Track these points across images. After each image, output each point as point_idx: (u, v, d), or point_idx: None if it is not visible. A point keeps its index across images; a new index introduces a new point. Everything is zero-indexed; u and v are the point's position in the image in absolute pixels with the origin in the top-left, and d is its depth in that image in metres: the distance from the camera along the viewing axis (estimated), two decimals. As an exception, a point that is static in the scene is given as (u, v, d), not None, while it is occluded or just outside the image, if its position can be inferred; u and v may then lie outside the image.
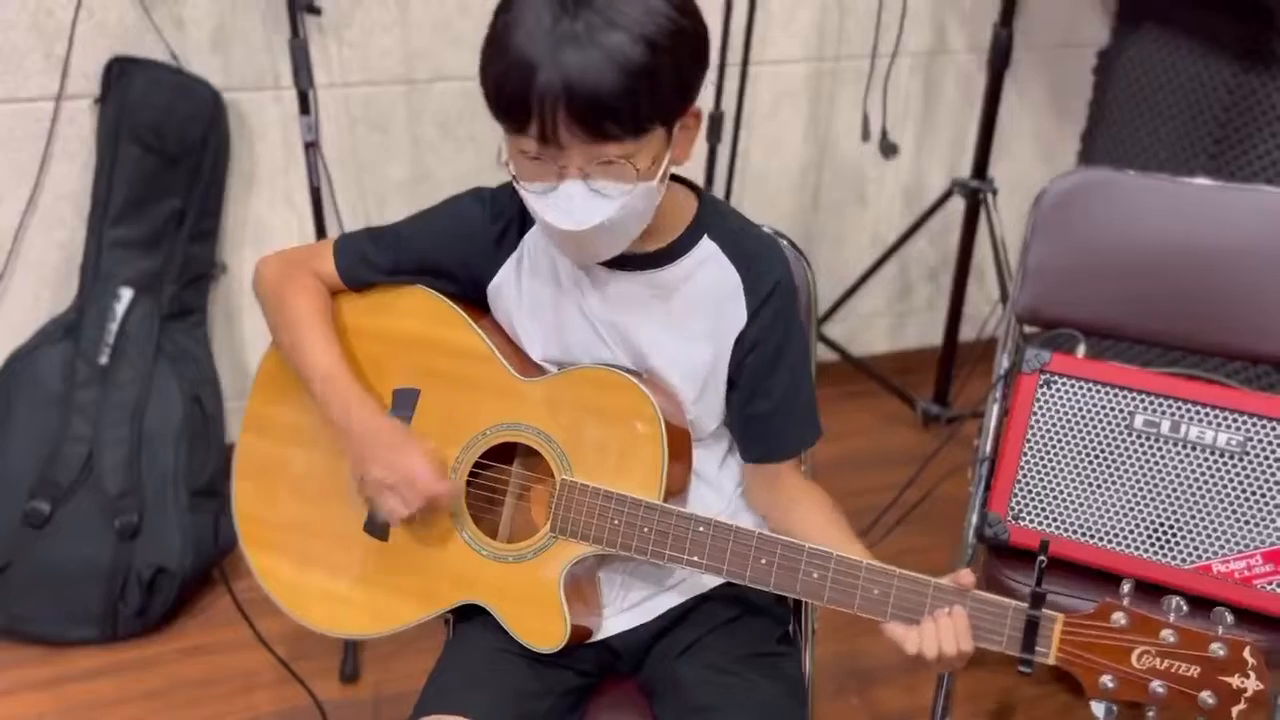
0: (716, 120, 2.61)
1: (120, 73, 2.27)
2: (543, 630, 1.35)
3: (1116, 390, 1.72)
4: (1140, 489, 1.69)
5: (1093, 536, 1.71)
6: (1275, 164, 2.55)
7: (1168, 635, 1.16)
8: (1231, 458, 1.66)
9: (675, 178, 1.37)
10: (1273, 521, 1.63)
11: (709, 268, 1.36)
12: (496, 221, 1.41)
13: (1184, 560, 1.67)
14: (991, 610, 1.21)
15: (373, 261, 1.45)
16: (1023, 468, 1.75)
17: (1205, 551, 1.66)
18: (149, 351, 2.35)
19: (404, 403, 1.43)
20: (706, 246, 1.37)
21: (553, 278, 1.40)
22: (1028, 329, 1.99)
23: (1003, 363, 1.98)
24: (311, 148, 2.23)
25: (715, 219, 1.38)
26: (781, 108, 2.85)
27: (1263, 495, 1.64)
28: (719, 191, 2.71)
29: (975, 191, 2.81)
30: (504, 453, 1.42)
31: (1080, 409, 1.73)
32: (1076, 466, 1.73)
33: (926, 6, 2.85)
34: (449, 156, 2.59)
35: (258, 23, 2.35)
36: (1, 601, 2.25)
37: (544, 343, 1.41)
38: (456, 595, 1.40)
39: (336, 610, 1.46)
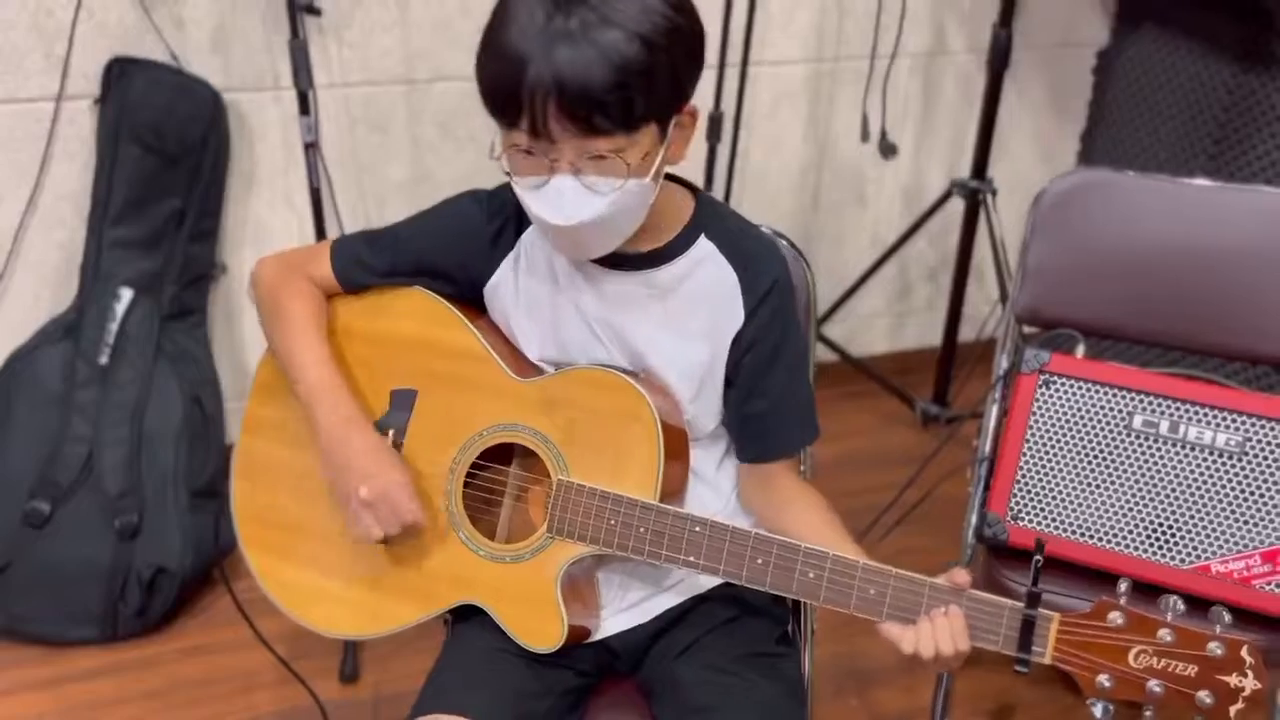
0: (716, 120, 2.61)
1: (120, 73, 2.27)
2: (540, 630, 1.35)
3: (1115, 390, 1.72)
4: (1139, 489, 1.70)
5: (1092, 537, 1.71)
6: (1274, 164, 2.55)
7: (1165, 634, 1.16)
8: (1230, 458, 1.66)
9: (672, 178, 1.38)
10: (1271, 522, 1.63)
11: (706, 267, 1.37)
12: (493, 221, 1.41)
13: (1183, 560, 1.67)
14: (987, 609, 1.21)
15: (369, 263, 1.45)
16: (1022, 468, 1.75)
17: (1204, 552, 1.66)
18: (149, 352, 2.35)
19: (401, 403, 1.43)
20: (704, 246, 1.37)
21: (549, 277, 1.40)
22: (1027, 329, 1.99)
23: (1002, 363, 1.98)
24: (311, 148, 2.23)
25: (713, 219, 1.38)
26: (781, 108, 2.86)
27: (1261, 495, 1.64)
28: (719, 191, 2.71)
29: (975, 192, 2.81)
30: (502, 453, 1.42)
31: (1079, 409, 1.73)
32: (1075, 467, 1.73)
33: (926, 7, 2.85)
34: (449, 157, 2.59)
35: (258, 23, 2.35)
36: (1, 601, 2.25)
37: (540, 342, 1.42)
38: (454, 596, 1.40)
39: (335, 611, 1.47)
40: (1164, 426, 1.69)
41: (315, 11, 2.25)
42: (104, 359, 2.32)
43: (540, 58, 1.16)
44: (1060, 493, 1.73)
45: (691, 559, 1.31)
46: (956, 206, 2.88)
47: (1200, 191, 1.87)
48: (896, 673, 2.23)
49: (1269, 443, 1.64)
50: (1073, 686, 1.20)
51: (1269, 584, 1.63)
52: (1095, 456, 1.72)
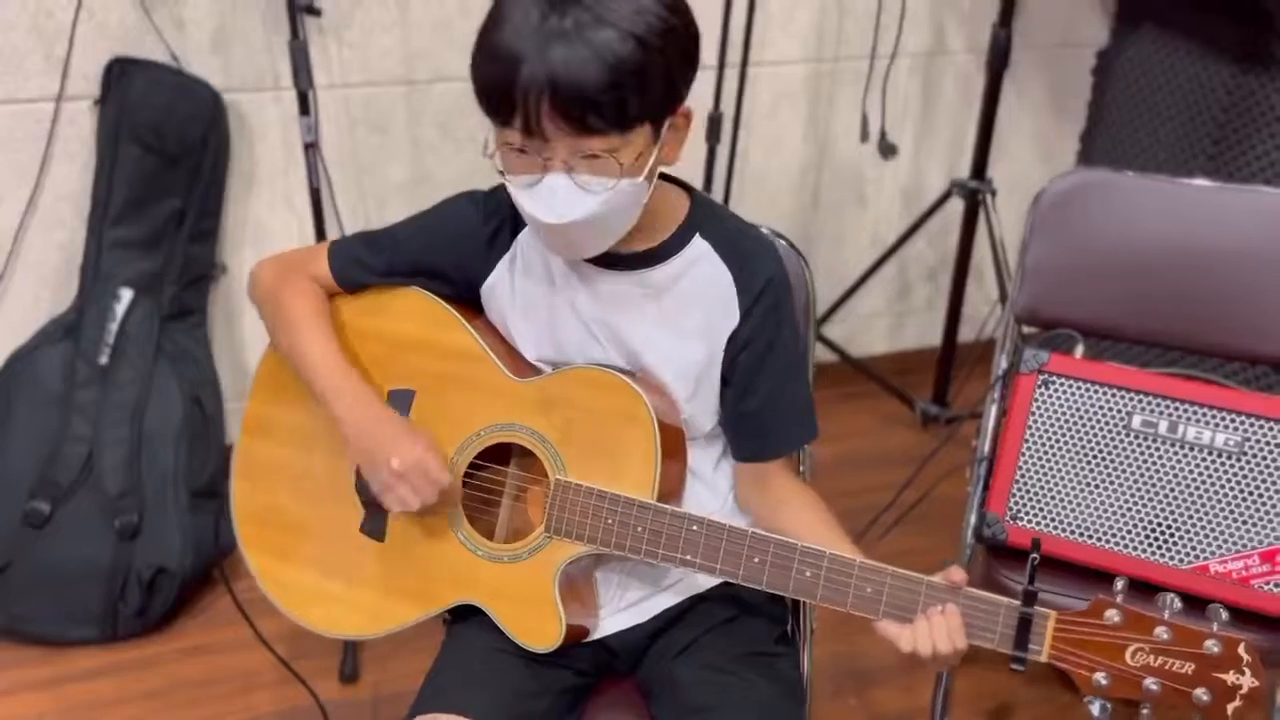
0: (716, 121, 2.61)
1: (120, 73, 2.27)
2: (538, 630, 1.35)
3: (1114, 390, 1.72)
4: (1138, 489, 1.70)
5: (1090, 536, 1.71)
6: (1273, 165, 2.55)
7: (1161, 632, 1.16)
8: (1229, 458, 1.66)
9: (667, 177, 1.38)
10: (1270, 522, 1.63)
11: (701, 267, 1.37)
12: (489, 222, 1.41)
13: (1181, 560, 1.67)
14: (984, 607, 1.22)
15: (367, 263, 1.45)
16: (1021, 468, 1.75)
17: (1203, 551, 1.66)
18: (149, 352, 2.35)
19: (399, 404, 1.43)
20: (698, 246, 1.37)
21: (545, 277, 1.40)
22: (1026, 329, 1.99)
23: (1001, 363, 1.98)
24: (311, 148, 2.24)
25: (708, 219, 1.39)
26: (781, 108, 2.86)
27: (1260, 495, 1.64)
28: (718, 192, 2.71)
29: (974, 192, 2.82)
30: (501, 453, 1.42)
31: (1078, 409, 1.73)
32: (1074, 467, 1.73)
33: (925, 7, 2.86)
34: (449, 157, 2.59)
35: (258, 24, 2.35)
36: (1, 601, 2.25)
37: (537, 342, 1.42)
38: (453, 595, 1.40)
39: (334, 611, 1.47)
40: (1163, 426, 1.69)
41: (315, 12, 2.25)
42: (104, 359, 2.32)
43: (534, 57, 1.16)
44: (1059, 493, 1.73)
45: (689, 558, 1.31)
46: (956, 206, 2.88)
47: (1199, 192, 1.87)
48: (896, 672, 2.23)
49: (1268, 443, 1.65)
50: (1071, 685, 1.20)
51: (1268, 584, 1.63)
52: (1094, 456, 1.72)
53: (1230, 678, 1.14)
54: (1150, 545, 1.68)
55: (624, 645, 1.44)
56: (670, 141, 1.28)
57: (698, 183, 2.62)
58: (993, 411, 1.94)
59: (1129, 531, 1.69)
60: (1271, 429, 1.64)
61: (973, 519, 1.84)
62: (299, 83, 2.20)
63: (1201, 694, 1.15)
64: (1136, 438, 1.70)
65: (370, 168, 2.55)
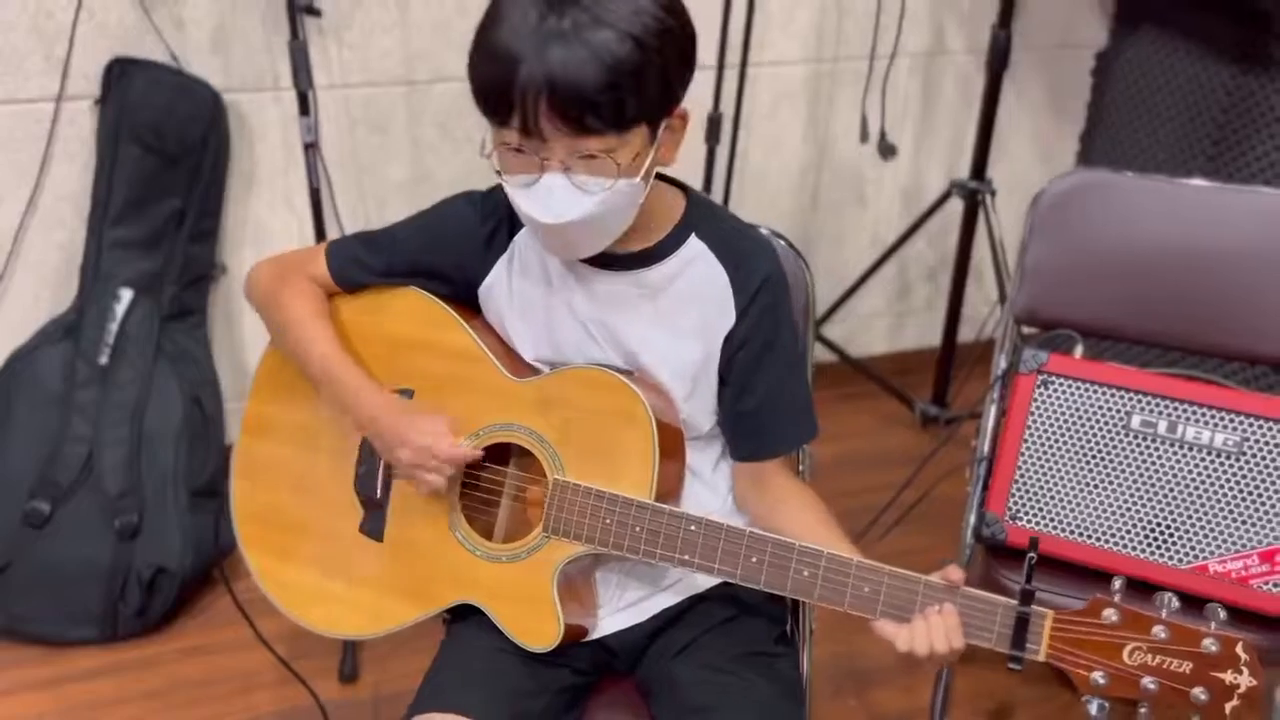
0: (715, 121, 2.61)
1: (120, 73, 2.27)
2: (537, 629, 1.36)
3: (1113, 390, 1.72)
4: (1137, 489, 1.70)
5: (1090, 536, 1.71)
6: (1273, 165, 2.55)
7: (1159, 631, 1.16)
8: (1228, 458, 1.66)
9: (663, 177, 1.38)
10: (1269, 521, 1.63)
11: (697, 266, 1.37)
12: (487, 222, 1.42)
13: (1181, 560, 1.67)
14: (981, 607, 1.22)
15: (365, 263, 1.45)
16: (1020, 468, 1.75)
17: (1202, 551, 1.66)
18: (149, 352, 2.35)
19: (398, 404, 1.43)
20: (694, 246, 1.37)
21: (543, 277, 1.40)
22: (1026, 330, 1.99)
23: (1000, 363, 1.98)
24: (311, 149, 2.24)
25: (704, 219, 1.39)
26: (780, 109, 2.86)
27: (1259, 495, 1.64)
28: (718, 192, 2.71)
29: (974, 192, 2.82)
30: (500, 453, 1.42)
31: (1077, 409, 1.73)
32: (1074, 467, 1.73)
33: (925, 8, 2.86)
34: (449, 157, 2.59)
35: (257, 24, 2.35)
36: (1, 601, 2.25)
37: (535, 342, 1.42)
38: (452, 595, 1.40)
39: (334, 610, 1.47)
40: (1162, 426, 1.69)
41: (315, 12, 2.25)
42: (104, 359, 2.32)
43: (532, 57, 1.16)
44: (1058, 493, 1.73)
45: (687, 558, 1.31)
46: (955, 207, 2.88)
47: (1198, 192, 1.87)
48: (895, 672, 2.23)
49: (1267, 442, 1.65)
50: (1070, 684, 1.20)
51: (1267, 584, 1.63)
52: (1093, 456, 1.72)
53: (1228, 677, 1.14)
54: (1150, 545, 1.68)
55: (623, 645, 1.44)
56: (667, 142, 1.29)
57: (697, 183, 2.62)
58: (992, 411, 1.94)
59: (1128, 531, 1.69)
60: (1271, 429, 1.64)
61: (972, 519, 1.84)
62: (299, 83, 2.20)
63: (1199, 693, 1.15)
64: (1136, 438, 1.70)
65: (370, 168, 2.55)
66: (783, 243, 1.56)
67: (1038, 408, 1.75)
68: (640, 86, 1.19)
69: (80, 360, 2.32)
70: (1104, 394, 1.72)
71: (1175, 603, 1.18)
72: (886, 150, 2.75)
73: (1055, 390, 1.74)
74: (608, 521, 1.32)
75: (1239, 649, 1.14)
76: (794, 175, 2.95)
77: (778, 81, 2.83)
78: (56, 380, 2.31)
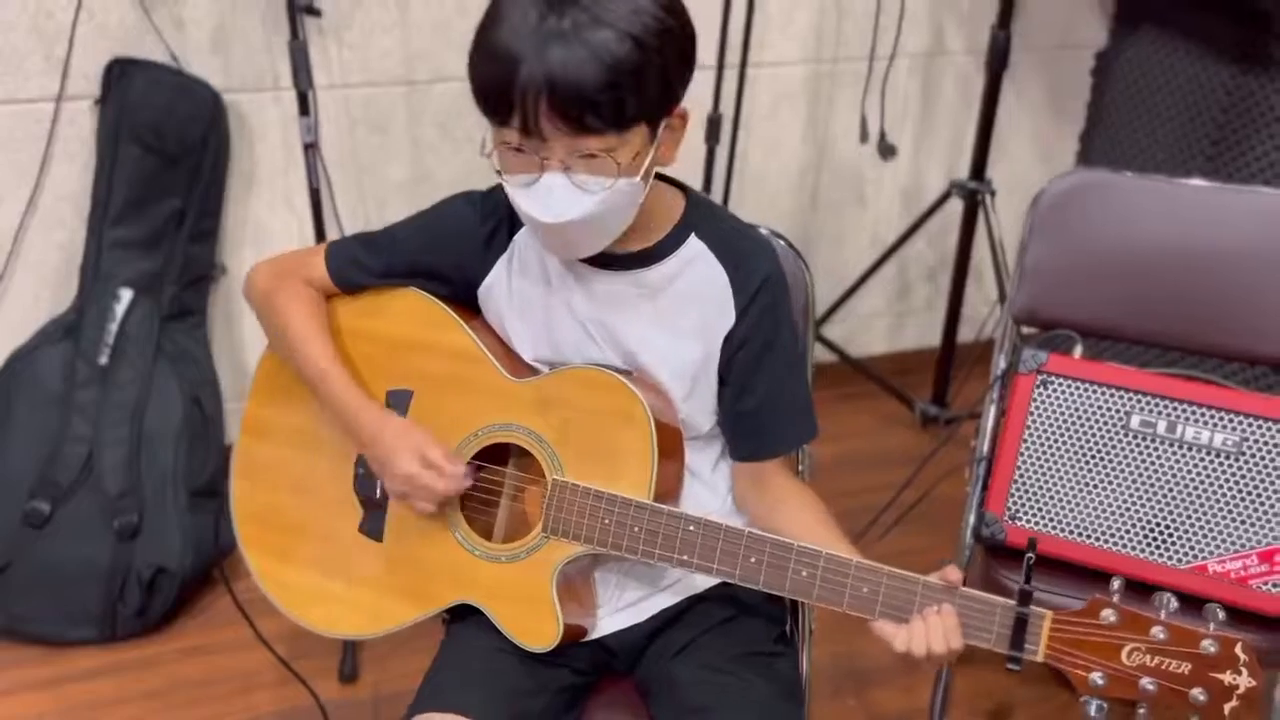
0: (715, 122, 2.61)
1: (120, 74, 2.28)
2: (536, 630, 1.36)
3: (1112, 390, 1.72)
4: (1136, 489, 1.70)
5: (1089, 536, 1.71)
6: (1272, 165, 2.55)
7: (1158, 632, 1.16)
8: (1228, 458, 1.66)
9: (663, 178, 1.38)
10: (1268, 522, 1.63)
11: (697, 267, 1.37)
12: (486, 223, 1.42)
13: (1180, 560, 1.67)
14: (980, 607, 1.22)
15: (364, 264, 1.45)
16: (1019, 468, 1.75)
17: (1201, 551, 1.66)
18: (149, 352, 2.35)
19: (397, 404, 1.43)
20: (694, 246, 1.37)
21: (542, 277, 1.40)
22: (1025, 330, 1.99)
23: (1000, 363, 1.98)
24: (311, 149, 2.24)
25: (703, 219, 1.39)
26: (780, 109, 2.86)
27: (1258, 495, 1.64)
28: (717, 192, 2.72)
29: (973, 192, 2.82)
30: (499, 454, 1.42)
31: (1076, 409, 1.73)
32: (1073, 467, 1.73)
33: (924, 8, 2.86)
34: (448, 157, 2.59)
35: (257, 24, 2.36)
36: (1, 601, 2.26)
37: (534, 343, 1.42)
38: (451, 595, 1.40)
39: (334, 611, 1.47)
40: (1161, 426, 1.69)
41: (315, 12, 2.25)
42: (104, 359, 2.32)
43: (532, 57, 1.16)
44: (1058, 493, 1.73)
45: (685, 558, 1.31)
46: (955, 207, 2.88)
47: (1198, 192, 1.87)
48: (895, 673, 2.23)
49: (1266, 443, 1.65)
50: (1069, 685, 1.20)
51: (1266, 584, 1.63)
52: (1093, 456, 1.72)
53: (1227, 678, 1.14)
54: (1149, 545, 1.68)
55: (622, 645, 1.44)
56: (667, 142, 1.29)
57: (697, 183, 2.63)
58: (991, 412, 1.94)
59: (1128, 531, 1.69)
60: (1270, 429, 1.64)
61: (971, 519, 1.84)
62: (299, 83, 2.20)
63: (1198, 694, 1.15)
64: (1135, 438, 1.70)
65: (370, 168, 2.55)
66: (782, 243, 1.56)
67: (1037, 408, 1.75)
68: (640, 86, 1.19)
69: (80, 360, 2.32)
70: (1103, 394, 1.72)
71: (1174, 603, 1.18)
72: (886, 150, 2.75)
73: (1055, 390, 1.75)
74: (606, 522, 1.32)
75: (1238, 649, 1.14)
76: (794, 175, 2.95)
77: (777, 82, 2.83)
78: (56, 380, 2.32)
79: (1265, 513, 1.64)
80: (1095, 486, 1.71)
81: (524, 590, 1.36)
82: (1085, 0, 3.00)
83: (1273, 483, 1.64)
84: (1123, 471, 1.70)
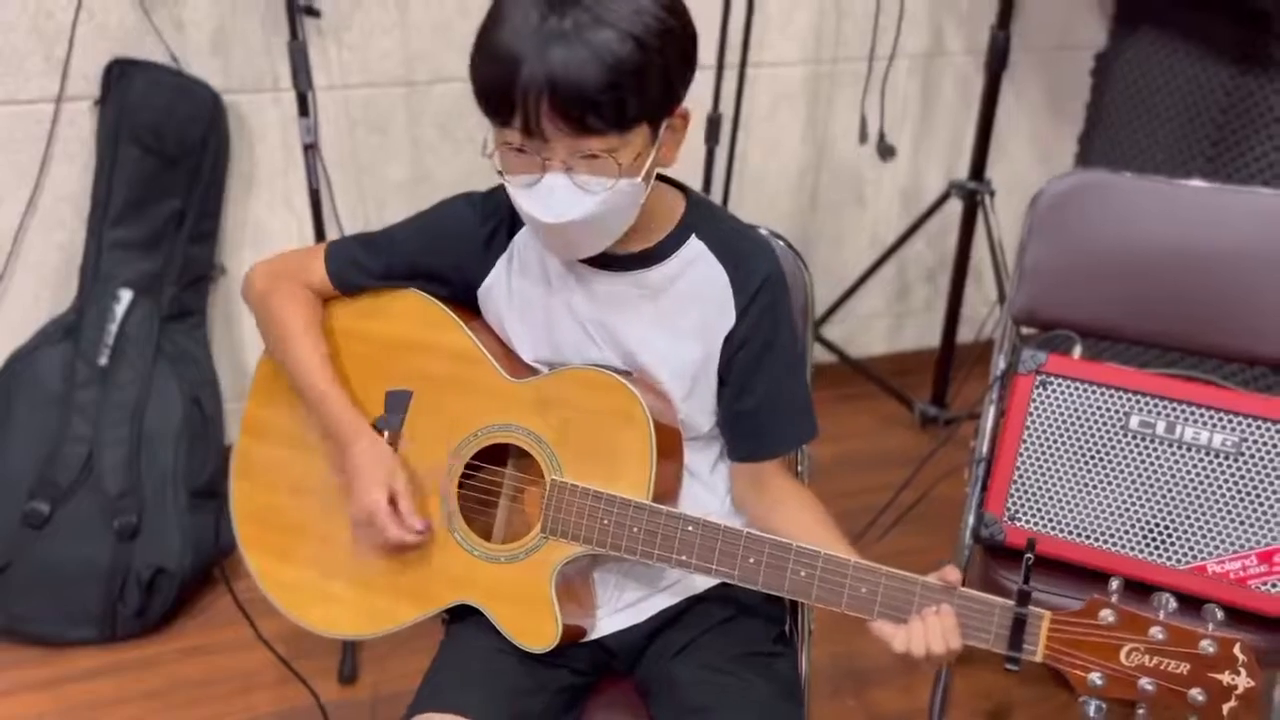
0: (714, 122, 2.61)
1: (120, 74, 2.28)
2: (535, 630, 1.36)
3: (1112, 391, 1.72)
4: (1136, 490, 1.70)
5: (1088, 537, 1.71)
6: (1272, 166, 2.55)
7: (1156, 632, 1.16)
8: (1227, 458, 1.66)
9: (663, 178, 1.38)
10: (1267, 522, 1.64)
11: (697, 267, 1.37)
12: (486, 223, 1.42)
13: (1179, 561, 1.67)
14: (979, 608, 1.22)
15: (364, 265, 1.45)
16: (1019, 468, 1.75)
17: (1200, 552, 1.66)
18: (149, 352, 2.35)
19: (396, 404, 1.44)
20: (694, 246, 1.37)
21: (542, 278, 1.40)
22: (1025, 330, 1.99)
23: (999, 364, 1.98)
24: (311, 150, 2.24)
25: (704, 219, 1.39)
26: (779, 110, 2.86)
27: (1258, 496, 1.64)
28: (717, 193, 2.72)
29: (973, 193, 2.82)
30: (498, 454, 1.42)
31: (1076, 410, 1.73)
32: (1072, 467, 1.73)
33: (924, 9, 2.86)
34: (448, 158, 2.60)
35: (257, 25, 2.36)
36: (1, 601, 2.26)
37: (534, 343, 1.42)
38: (450, 596, 1.41)
39: (333, 611, 1.47)
40: (1160, 427, 1.69)
41: (315, 13, 2.26)
42: (104, 359, 2.33)
43: (534, 57, 1.17)
44: (1057, 493, 1.73)
45: (684, 558, 1.31)
46: (955, 208, 2.88)
47: (1197, 193, 1.87)
48: (894, 673, 2.23)
49: (1265, 443, 1.65)
50: (1068, 685, 1.20)
51: (1265, 584, 1.63)
52: (1092, 457, 1.72)
53: (1226, 678, 1.14)
54: (1148, 546, 1.69)
55: (622, 645, 1.44)
56: (668, 142, 1.29)
57: (696, 184, 2.63)
58: (991, 412, 1.94)
59: (1127, 532, 1.70)
60: (1269, 430, 1.65)
61: (971, 519, 1.84)
62: (298, 84, 2.20)
63: (1197, 694, 1.15)
64: (1134, 438, 1.70)
65: (370, 168, 2.55)
66: (782, 243, 1.56)
67: (1036, 408, 1.75)
68: (641, 86, 1.19)
69: (80, 360, 2.32)
70: (1103, 394, 1.73)
71: (1173, 603, 1.18)
72: (885, 151, 2.75)
73: (1054, 391, 1.75)
74: (605, 522, 1.32)
75: (1236, 650, 1.14)
76: (793, 176, 2.95)
77: (777, 82, 2.83)
78: (56, 380, 2.32)
79: (1264, 513, 1.64)
80: (1094, 487, 1.72)
81: (523, 591, 1.36)
82: (1084, 1, 3.00)
83: (1272, 483, 1.64)
84: (1122, 472, 1.71)
